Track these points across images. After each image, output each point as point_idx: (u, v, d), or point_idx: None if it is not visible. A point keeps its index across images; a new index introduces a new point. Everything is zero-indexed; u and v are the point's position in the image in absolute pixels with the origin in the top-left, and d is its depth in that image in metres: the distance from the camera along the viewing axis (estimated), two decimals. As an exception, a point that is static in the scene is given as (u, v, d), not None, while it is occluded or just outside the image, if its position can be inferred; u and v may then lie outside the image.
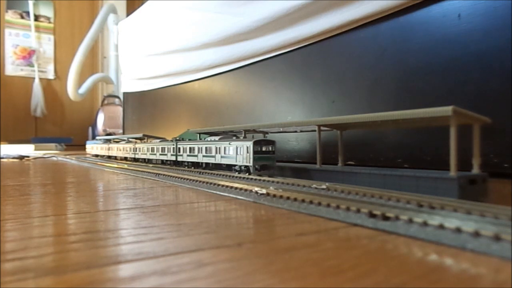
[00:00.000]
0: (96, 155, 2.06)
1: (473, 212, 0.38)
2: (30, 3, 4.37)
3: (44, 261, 0.30)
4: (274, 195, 0.56)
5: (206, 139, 1.04)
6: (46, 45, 4.51)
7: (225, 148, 0.91)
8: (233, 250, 0.33)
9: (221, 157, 0.93)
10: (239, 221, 0.46)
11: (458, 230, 0.34)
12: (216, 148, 0.95)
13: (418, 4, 0.85)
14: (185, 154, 1.12)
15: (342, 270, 0.27)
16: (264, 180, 0.73)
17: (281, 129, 1.07)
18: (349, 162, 0.98)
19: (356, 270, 0.27)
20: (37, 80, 4.38)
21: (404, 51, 0.90)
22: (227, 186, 0.67)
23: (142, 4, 2.20)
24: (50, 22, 4.55)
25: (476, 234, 0.32)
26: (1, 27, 4.28)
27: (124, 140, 1.75)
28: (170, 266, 0.28)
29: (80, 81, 3.49)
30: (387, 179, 0.62)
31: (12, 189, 0.74)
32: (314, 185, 0.63)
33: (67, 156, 2.13)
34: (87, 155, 2.19)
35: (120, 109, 3.09)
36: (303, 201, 0.51)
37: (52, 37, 4.54)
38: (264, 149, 0.82)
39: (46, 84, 4.46)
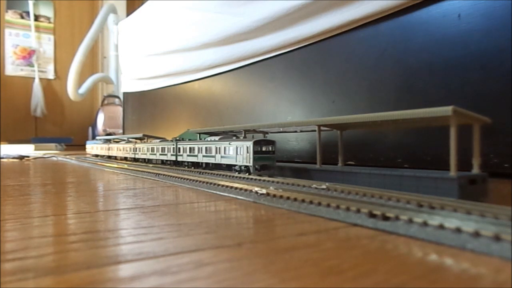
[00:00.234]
0: (96, 155, 2.06)
1: (473, 212, 0.38)
2: (30, 3, 4.37)
3: (44, 261, 0.30)
4: (274, 195, 0.56)
5: (206, 139, 1.04)
6: (46, 45, 4.51)
7: (225, 148, 0.91)
8: (233, 250, 0.33)
9: (221, 157, 0.93)
10: (239, 221, 0.46)
11: (458, 230, 0.34)
12: (216, 148, 0.95)
13: (418, 4, 0.85)
14: (185, 154, 1.12)
15: (342, 270, 0.27)
16: (264, 180, 0.73)
17: (281, 129, 1.07)
18: (349, 162, 0.98)
19: (356, 270, 0.27)
20: (37, 80, 4.38)
21: (404, 51, 0.90)
22: (227, 186, 0.67)
23: (142, 4, 2.20)
24: (50, 22, 4.55)
25: (476, 234, 0.32)
26: (1, 27, 4.28)
27: (124, 140, 1.75)
28: (170, 266, 0.28)
29: (80, 81, 3.49)
30: (387, 179, 0.62)
31: (12, 189, 0.74)
32: (314, 185, 0.62)
33: (67, 156, 2.13)
34: (87, 155, 2.19)
35: (120, 109, 3.09)
36: (303, 201, 0.50)
37: (52, 37, 4.54)
38: (264, 149, 0.82)
39: (46, 84, 4.46)
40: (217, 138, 1.02)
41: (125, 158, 1.63)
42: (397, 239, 0.36)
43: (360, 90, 1.01)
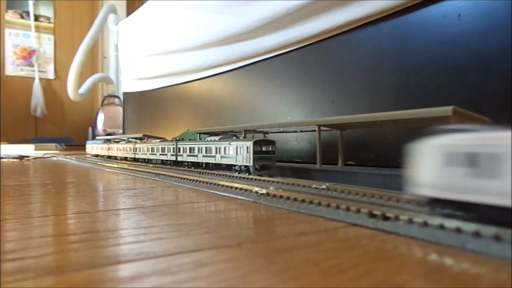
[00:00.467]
0: (96, 155, 2.06)
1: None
2: (30, 3, 4.37)
3: (44, 261, 0.30)
4: (274, 195, 0.56)
5: (206, 139, 1.04)
6: (46, 45, 4.51)
7: (225, 148, 0.91)
8: (233, 250, 0.33)
9: (221, 157, 0.93)
10: (239, 221, 0.46)
11: (458, 230, 0.34)
12: (216, 148, 0.95)
13: (418, 4, 0.85)
14: (185, 154, 1.12)
15: (342, 270, 0.27)
16: (264, 180, 0.73)
17: (281, 129, 1.07)
18: (349, 162, 0.98)
19: (356, 270, 0.27)
20: (37, 80, 4.38)
21: (404, 51, 0.90)
22: (227, 186, 0.67)
23: (142, 4, 2.20)
24: (50, 22, 4.55)
25: (476, 234, 0.32)
26: (1, 27, 4.28)
27: (124, 140, 1.75)
28: (170, 266, 0.28)
29: (80, 81, 3.49)
30: (387, 179, 0.62)
31: (12, 189, 0.74)
32: (314, 185, 0.63)
33: (67, 156, 2.13)
34: (87, 155, 2.19)
35: (120, 109, 3.09)
36: (303, 201, 0.51)
37: (52, 37, 4.54)
38: (264, 149, 0.82)
39: (46, 84, 4.46)
40: (217, 138, 1.02)
41: (125, 158, 1.63)
42: (397, 239, 0.36)
43: (360, 90, 1.01)
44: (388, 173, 0.63)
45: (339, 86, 1.07)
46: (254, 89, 1.43)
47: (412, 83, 0.88)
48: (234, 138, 0.99)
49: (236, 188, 0.65)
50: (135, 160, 1.51)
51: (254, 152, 0.82)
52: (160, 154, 1.28)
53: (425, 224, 0.36)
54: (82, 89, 3.55)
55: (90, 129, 3.98)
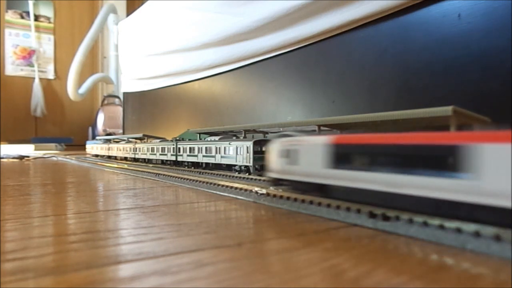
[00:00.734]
0: (96, 155, 2.06)
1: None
2: (30, 3, 4.37)
3: (44, 261, 0.30)
4: (274, 195, 0.56)
5: (206, 139, 1.04)
6: (46, 45, 4.51)
7: (225, 148, 0.92)
8: (233, 250, 0.33)
9: (221, 157, 0.93)
10: (239, 221, 0.46)
11: (458, 231, 0.34)
12: (216, 148, 0.95)
13: (418, 4, 0.85)
14: (185, 154, 1.12)
15: (342, 270, 0.27)
16: (264, 180, 0.73)
17: (281, 129, 1.07)
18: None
19: (356, 270, 0.27)
20: (37, 80, 4.38)
21: (404, 51, 0.90)
22: (227, 186, 0.67)
23: (142, 4, 2.20)
24: (50, 22, 4.54)
25: (477, 235, 0.32)
26: (1, 27, 4.28)
27: (124, 140, 1.75)
28: (170, 266, 0.28)
29: (80, 81, 3.49)
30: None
31: (12, 189, 0.74)
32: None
33: (67, 156, 2.13)
34: (87, 155, 2.19)
35: (120, 109, 3.09)
36: (303, 201, 0.50)
37: (52, 37, 4.54)
38: (264, 149, 0.82)
39: (46, 84, 4.46)
40: (217, 138, 1.02)
41: (125, 158, 1.63)
42: (397, 239, 0.36)
43: (360, 90, 1.01)
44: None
45: (339, 86, 1.07)
46: (254, 89, 1.43)
47: (412, 83, 0.88)
48: (234, 138, 0.99)
49: (236, 188, 0.65)
50: (135, 160, 1.51)
51: (254, 152, 0.82)
52: (160, 154, 1.28)
53: (425, 224, 0.36)
54: (82, 89, 3.55)
55: (90, 129, 3.97)
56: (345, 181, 0.46)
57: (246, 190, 0.62)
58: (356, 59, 1.02)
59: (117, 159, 1.72)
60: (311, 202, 0.49)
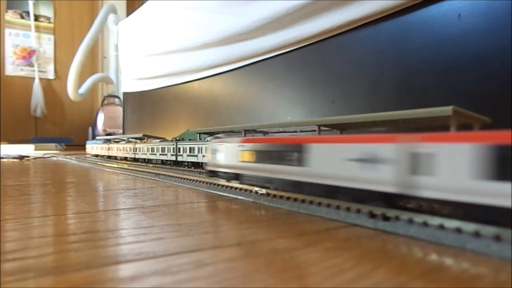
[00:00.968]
0: (96, 155, 2.06)
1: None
2: (30, 3, 4.37)
3: (44, 261, 0.30)
4: (274, 195, 0.56)
5: (206, 139, 1.04)
6: (46, 45, 4.51)
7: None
8: (233, 250, 0.33)
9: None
10: (239, 221, 0.46)
11: (458, 231, 0.34)
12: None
13: (418, 4, 0.85)
14: (185, 154, 1.12)
15: (342, 270, 0.27)
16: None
17: (281, 129, 1.07)
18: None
19: (356, 270, 0.27)
20: (37, 80, 4.38)
21: (404, 51, 0.90)
22: (227, 186, 0.67)
23: (142, 4, 2.20)
24: (50, 22, 4.55)
25: (476, 235, 0.32)
26: (1, 27, 4.28)
27: (124, 140, 1.75)
28: (170, 266, 0.28)
29: (80, 81, 3.49)
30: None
31: (12, 189, 0.74)
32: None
33: (67, 156, 2.13)
34: (87, 155, 2.19)
35: (120, 109, 3.09)
36: (303, 201, 0.50)
37: (52, 37, 4.54)
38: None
39: (46, 84, 4.46)
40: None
41: (125, 158, 1.63)
42: (397, 239, 0.36)
43: (360, 90, 1.01)
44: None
45: (339, 86, 1.07)
46: (254, 89, 1.43)
47: (412, 83, 0.88)
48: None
49: (236, 188, 0.65)
50: (135, 160, 1.51)
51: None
52: (160, 154, 1.28)
53: (425, 224, 0.36)
54: (82, 89, 3.55)
55: (90, 129, 3.98)
56: (248, 171, 0.63)
57: (246, 190, 0.62)
58: (356, 59, 1.02)
59: (117, 159, 1.72)
60: (311, 202, 0.49)
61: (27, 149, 3.21)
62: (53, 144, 3.66)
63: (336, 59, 1.08)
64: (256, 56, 1.35)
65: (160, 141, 1.35)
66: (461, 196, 0.34)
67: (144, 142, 1.49)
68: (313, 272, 0.27)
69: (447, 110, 0.44)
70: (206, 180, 0.76)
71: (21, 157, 2.00)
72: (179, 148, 1.15)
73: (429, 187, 0.37)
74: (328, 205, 0.47)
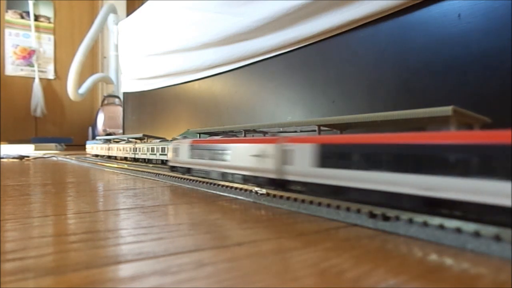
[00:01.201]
0: (96, 155, 2.06)
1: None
2: (30, 3, 4.37)
3: (44, 261, 0.30)
4: (274, 195, 0.56)
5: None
6: (46, 45, 4.51)
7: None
8: (233, 250, 0.33)
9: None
10: (239, 221, 0.46)
11: (458, 231, 0.34)
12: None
13: (418, 4, 0.85)
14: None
15: (342, 270, 0.27)
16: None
17: (281, 129, 1.07)
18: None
19: (356, 270, 0.27)
20: (37, 80, 4.38)
21: (404, 51, 0.90)
22: (227, 186, 0.67)
23: (142, 4, 2.20)
24: (50, 22, 4.55)
25: (476, 235, 0.32)
26: (1, 27, 4.28)
27: (124, 140, 1.75)
28: (170, 266, 0.28)
29: (80, 81, 3.49)
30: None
31: (12, 189, 0.74)
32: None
33: (67, 156, 2.13)
34: (87, 155, 2.19)
35: (120, 109, 3.09)
36: (303, 201, 0.50)
37: (52, 37, 4.54)
38: None
39: (46, 84, 4.46)
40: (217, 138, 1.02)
41: (125, 158, 1.63)
42: (397, 239, 0.36)
43: (360, 90, 1.01)
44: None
45: (339, 86, 1.07)
46: (254, 89, 1.43)
47: (412, 83, 0.88)
48: (234, 138, 0.99)
49: (236, 188, 0.65)
50: (135, 160, 1.51)
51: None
52: (160, 154, 1.28)
53: (425, 224, 0.36)
54: (82, 89, 3.55)
55: (90, 129, 3.98)
56: (194, 165, 0.81)
57: (246, 190, 0.62)
58: (356, 59, 1.02)
59: (117, 159, 1.72)
60: (311, 202, 0.49)
61: (27, 149, 3.21)
62: (53, 144, 3.66)
63: (336, 59, 1.08)
64: (256, 56, 1.35)
65: (160, 141, 1.34)
66: (307, 178, 0.51)
67: (144, 142, 1.49)
68: (313, 272, 0.27)
69: (447, 110, 0.44)
70: (206, 180, 0.76)
71: (21, 157, 2.00)
72: (179, 148, 1.15)
73: (291, 172, 0.54)
74: (328, 205, 0.47)
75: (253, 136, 0.79)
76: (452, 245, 0.33)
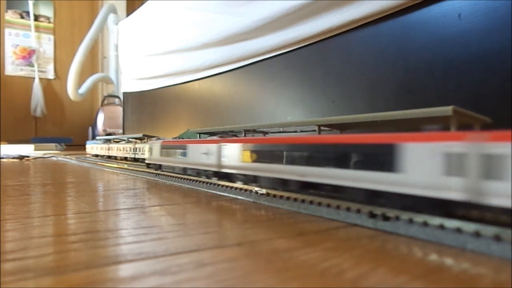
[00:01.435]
0: (96, 155, 2.06)
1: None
2: (30, 3, 4.37)
3: (44, 261, 0.30)
4: (274, 195, 0.56)
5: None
6: (46, 45, 4.51)
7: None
8: (233, 250, 0.33)
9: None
10: (239, 221, 0.46)
11: (458, 231, 0.34)
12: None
13: (418, 4, 0.85)
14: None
15: (342, 270, 0.27)
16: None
17: (281, 129, 1.07)
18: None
19: (356, 270, 0.27)
20: (37, 80, 4.38)
21: (404, 51, 0.90)
22: (227, 186, 0.67)
23: (142, 4, 2.20)
24: (50, 22, 4.54)
25: (477, 235, 0.32)
26: (1, 27, 4.28)
27: (124, 140, 1.75)
28: (170, 266, 0.28)
29: (80, 81, 3.49)
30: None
31: (12, 189, 0.74)
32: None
33: (67, 156, 2.13)
34: (87, 155, 2.19)
35: (120, 109, 3.09)
36: (303, 201, 0.50)
37: (52, 37, 4.54)
38: None
39: (46, 84, 4.46)
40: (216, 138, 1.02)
41: (125, 158, 1.63)
42: (397, 239, 0.36)
43: (360, 90, 1.01)
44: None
45: (339, 86, 1.07)
46: (254, 89, 1.43)
47: (412, 83, 0.88)
48: (234, 138, 0.99)
49: (236, 188, 0.65)
50: (135, 160, 1.51)
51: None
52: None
53: (425, 224, 0.36)
54: (82, 89, 3.55)
55: (90, 129, 3.97)
56: (164, 162, 0.96)
57: (246, 190, 0.62)
58: (356, 59, 1.02)
59: (117, 159, 1.72)
60: (311, 202, 0.49)
61: (27, 149, 3.21)
62: (53, 144, 3.66)
63: (336, 59, 1.08)
64: (256, 56, 1.35)
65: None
66: (238, 170, 0.65)
67: (144, 142, 1.49)
68: (313, 272, 0.27)
69: (447, 110, 0.44)
70: (207, 180, 0.76)
71: (21, 157, 2.00)
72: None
73: (225, 166, 0.69)
74: (328, 205, 0.47)
75: (253, 136, 0.81)
76: (452, 245, 0.33)
